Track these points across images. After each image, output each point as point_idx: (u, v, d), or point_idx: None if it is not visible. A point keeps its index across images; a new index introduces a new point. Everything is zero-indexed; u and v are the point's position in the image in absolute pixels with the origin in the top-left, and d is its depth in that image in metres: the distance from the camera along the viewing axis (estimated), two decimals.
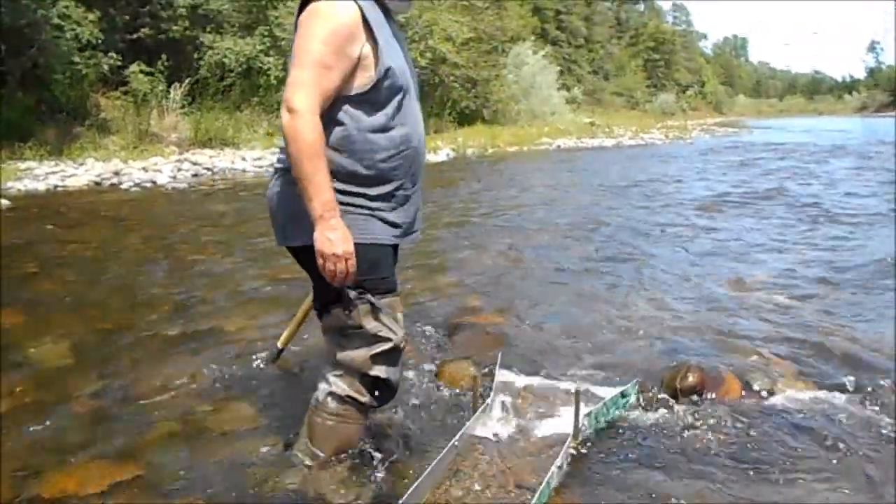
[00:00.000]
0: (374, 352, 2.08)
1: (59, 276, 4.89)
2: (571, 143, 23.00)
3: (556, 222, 7.26)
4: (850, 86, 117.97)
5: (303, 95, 1.85)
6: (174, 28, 14.71)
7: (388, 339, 2.09)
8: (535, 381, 2.91)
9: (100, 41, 12.66)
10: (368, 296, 2.04)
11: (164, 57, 14.19)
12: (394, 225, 2.07)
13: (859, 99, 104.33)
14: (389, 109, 2.00)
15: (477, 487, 2.10)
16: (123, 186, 10.09)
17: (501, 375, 2.87)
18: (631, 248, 5.95)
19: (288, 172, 1.94)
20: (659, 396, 2.81)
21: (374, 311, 2.07)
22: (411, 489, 1.95)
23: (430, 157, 15.81)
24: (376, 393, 2.15)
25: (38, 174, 10.05)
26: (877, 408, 2.70)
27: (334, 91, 1.91)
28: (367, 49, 1.94)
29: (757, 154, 17.69)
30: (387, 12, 2.05)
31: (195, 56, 15.13)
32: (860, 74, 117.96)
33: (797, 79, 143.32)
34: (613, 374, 3.03)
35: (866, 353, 3.29)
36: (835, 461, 2.32)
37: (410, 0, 2.21)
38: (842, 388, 2.87)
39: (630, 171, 13.68)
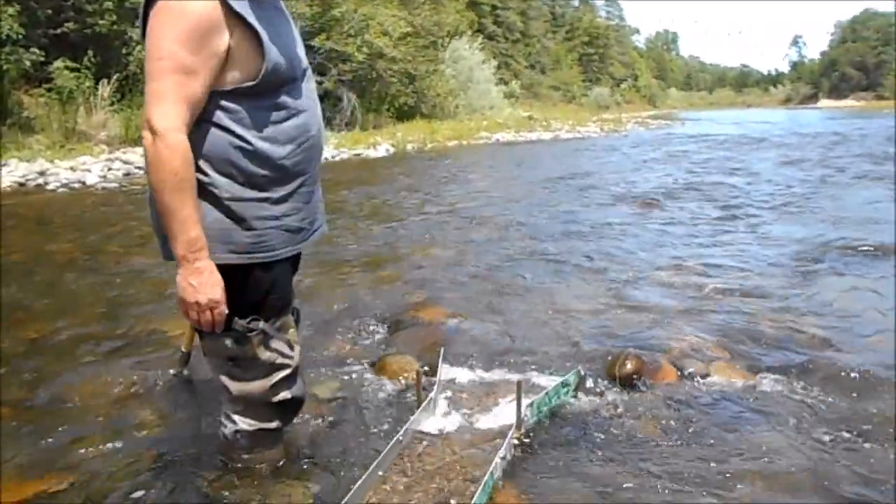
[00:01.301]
0: (273, 381, 1.96)
1: None
2: (510, 136, 23.21)
3: (495, 217, 7.32)
4: (775, 79, 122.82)
5: (164, 111, 1.61)
6: (101, 22, 14.16)
7: (286, 366, 1.97)
8: (478, 373, 2.93)
9: (21, 36, 12.12)
10: (261, 324, 1.88)
11: (90, 52, 13.67)
12: (297, 231, 1.90)
13: (784, 91, 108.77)
14: (277, 100, 1.79)
15: (422, 482, 2.10)
16: (50, 187, 9.72)
17: (444, 369, 2.88)
18: (569, 240, 6.04)
19: None
20: (599, 384, 2.87)
21: (268, 339, 1.91)
22: (356, 486, 1.94)
23: (370, 153, 15.75)
24: (284, 413, 2.07)
25: None
26: (805, 389, 2.81)
27: (203, 97, 1.69)
28: (236, 40, 1.69)
29: (688, 146, 18.19)
30: None
31: (124, 51, 14.60)
32: (784, 68, 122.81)
33: (726, 72, 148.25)
34: (555, 363, 3.07)
35: (794, 336, 3.43)
36: (768, 442, 2.40)
37: None
38: (772, 370, 2.98)
39: (567, 164, 13.88)
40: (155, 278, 4.67)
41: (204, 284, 1.71)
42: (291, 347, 2.00)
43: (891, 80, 77.80)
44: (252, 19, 1.71)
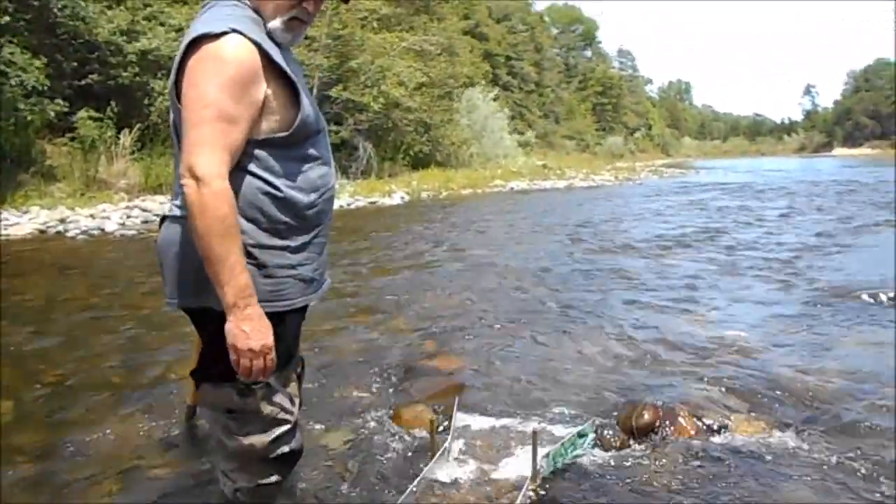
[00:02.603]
0: (273, 436, 1.87)
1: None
2: (524, 185, 23.37)
3: (508, 265, 7.32)
4: (788, 127, 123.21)
5: (208, 159, 1.61)
6: (124, 74, 14.54)
7: (286, 421, 1.90)
8: (493, 422, 2.90)
9: (46, 87, 12.46)
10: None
11: (112, 103, 14.01)
12: (310, 281, 1.87)
13: (798, 140, 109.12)
14: (305, 151, 1.82)
15: None
16: (70, 234, 9.86)
17: (459, 418, 2.86)
18: (583, 289, 6.02)
19: None
20: (615, 435, 2.83)
21: (271, 393, 1.84)
22: None
23: (385, 201, 15.88)
24: (283, 467, 1.97)
25: None
26: (825, 444, 2.76)
27: (242, 145, 1.69)
28: (273, 90, 1.72)
29: (702, 194, 18.21)
30: (279, 45, 1.79)
31: (145, 102, 14.96)
32: (798, 117, 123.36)
33: (739, 121, 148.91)
34: (570, 413, 3.04)
35: (814, 388, 3.37)
36: (789, 499, 2.35)
37: (299, 34, 1.86)
38: (791, 425, 2.93)
39: (581, 212, 13.92)
40: (171, 323, 4.70)
41: (256, 330, 1.67)
42: (292, 402, 1.94)
43: None
44: (289, 71, 1.75)
